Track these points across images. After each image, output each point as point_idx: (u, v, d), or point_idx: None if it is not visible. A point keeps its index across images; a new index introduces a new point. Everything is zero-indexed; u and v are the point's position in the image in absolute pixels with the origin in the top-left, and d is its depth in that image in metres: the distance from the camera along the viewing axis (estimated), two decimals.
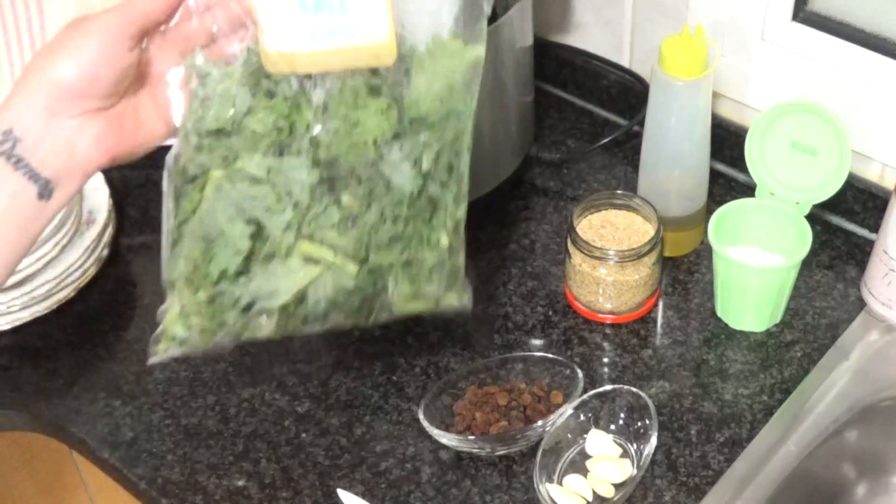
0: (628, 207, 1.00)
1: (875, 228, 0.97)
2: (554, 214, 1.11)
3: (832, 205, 1.00)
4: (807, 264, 0.95)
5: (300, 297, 0.74)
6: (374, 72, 0.71)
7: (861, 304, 0.99)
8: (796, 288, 0.98)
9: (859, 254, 1.03)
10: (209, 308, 0.73)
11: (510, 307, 1.02)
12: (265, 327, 0.74)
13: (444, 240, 0.75)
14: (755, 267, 0.94)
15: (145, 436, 0.94)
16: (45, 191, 0.67)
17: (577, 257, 0.97)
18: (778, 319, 0.99)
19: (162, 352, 0.75)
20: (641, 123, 1.02)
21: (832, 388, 0.93)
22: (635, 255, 0.95)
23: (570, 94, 1.23)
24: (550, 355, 0.95)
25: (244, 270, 0.72)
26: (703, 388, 0.95)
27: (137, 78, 0.70)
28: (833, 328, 0.98)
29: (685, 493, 0.87)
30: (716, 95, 1.05)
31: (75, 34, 0.67)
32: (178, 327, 0.74)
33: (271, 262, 0.72)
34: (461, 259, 0.77)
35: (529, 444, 0.90)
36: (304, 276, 0.73)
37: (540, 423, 0.89)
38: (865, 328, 0.98)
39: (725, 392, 0.94)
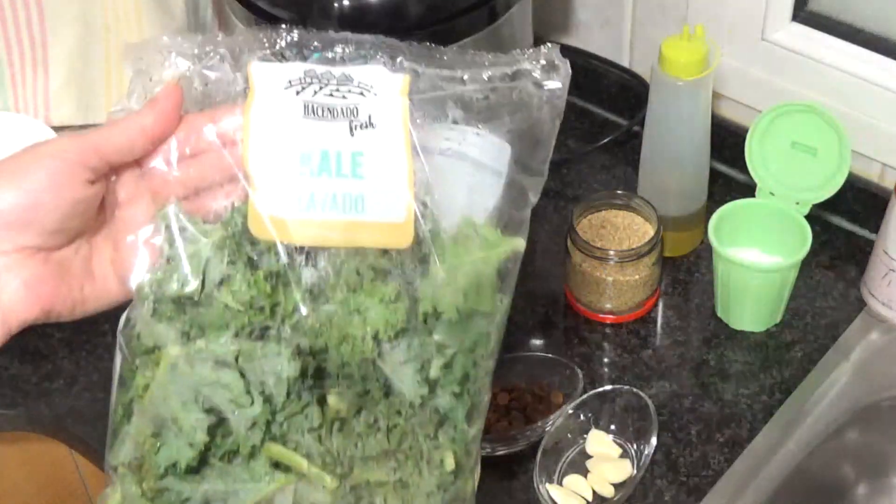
0: (628, 207, 1.00)
1: (875, 228, 0.97)
2: (554, 214, 1.11)
3: (832, 205, 1.00)
4: (807, 264, 0.95)
5: None
6: (385, 251, 0.59)
7: (861, 304, 0.99)
8: (796, 288, 0.98)
9: (859, 254, 1.03)
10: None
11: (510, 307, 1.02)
12: None
13: (450, 461, 0.62)
14: (755, 267, 0.94)
15: None
16: None
17: (577, 257, 0.97)
18: (778, 319, 0.99)
19: None
20: (641, 123, 1.02)
21: (832, 388, 0.93)
22: (635, 255, 0.95)
23: (570, 94, 1.22)
24: (550, 355, 0.95)
25: (197, 467, 0.59)
26: (703, 388, 0.95)
27: (96, 222, 0.59)
28: (833, 328, 0.98)
29: (685, 493, 0.87)
30: (716, 95, 1.05)
31: (24, 155, 0.56)
32: None
33: (231, 462, 0.60)
34: (470, 486, 0.64)
35: (529, 444, 0.90)
36: (269, 485, 0.60)
37: (540, 423, 0.89)
38: (865, 328, 0.98)
39: (725, 392, 0.94)
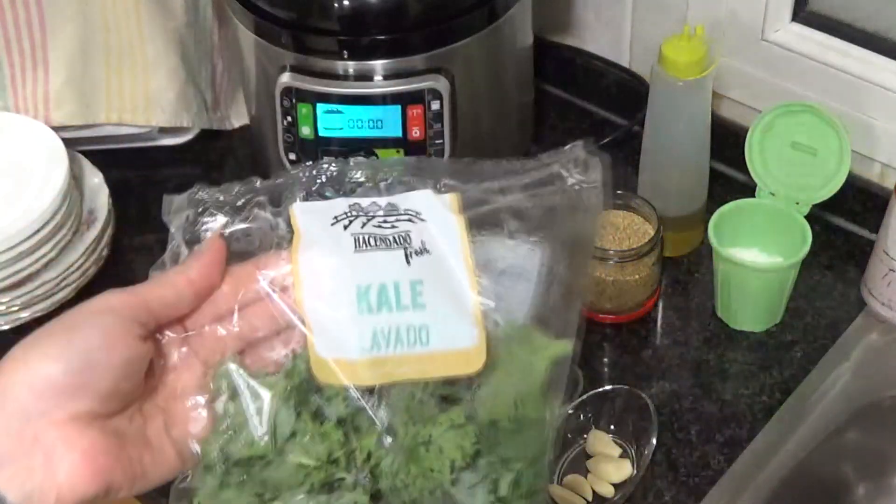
0: (628, 207, 1.00)
1: (875, 228, 0.97)
2: None
3: (832, 205, 1.00)
4: (807, 264, 0.95)
5: None
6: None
7: (861, 304, 0.99)
8: (796, 288, 0.98)
9: (859, 254, 1.03)
10: None
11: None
12: None
13: None
14: (755, 267, 0.94)
15: None
16: None
17: None
18: (778, 319, 0.99)
19: None
20: (641, 123, 1.02)
21: (832, 388, 0.93)
22: (635, 255, 0.95)
23: (570, 94, 1.23)
24: None
25: None
26: (703, 388, 0.95)
27: (146, 388, 0.55)
28: (833, 328, 0.98)
29: (685, 493, 0.87)
30: (716, 95, 1.05)
31: (73, 314, 0.53)
32: None
33: None
34: None
35: None
36: None
37: None
38: (865, 328, 0.98)
39: (725, 392, 0.94)
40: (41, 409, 0.50)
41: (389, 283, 0.55)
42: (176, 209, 0.59)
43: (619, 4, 1.12)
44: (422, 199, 0.59)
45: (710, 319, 1.00)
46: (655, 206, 0.98)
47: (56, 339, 0.51)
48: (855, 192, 1.03)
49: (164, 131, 1.15)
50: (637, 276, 0.96)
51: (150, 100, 1.11)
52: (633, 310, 0.99)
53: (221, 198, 0.58)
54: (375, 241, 0.56)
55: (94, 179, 1.09)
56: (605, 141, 1.14)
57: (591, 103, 1.22)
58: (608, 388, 0.92)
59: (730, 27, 1.04)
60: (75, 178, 1.06)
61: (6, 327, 1.01)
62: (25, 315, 1.01)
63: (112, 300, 0.53)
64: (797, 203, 0.97)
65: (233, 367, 0.55)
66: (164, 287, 0.54)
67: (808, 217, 0.96)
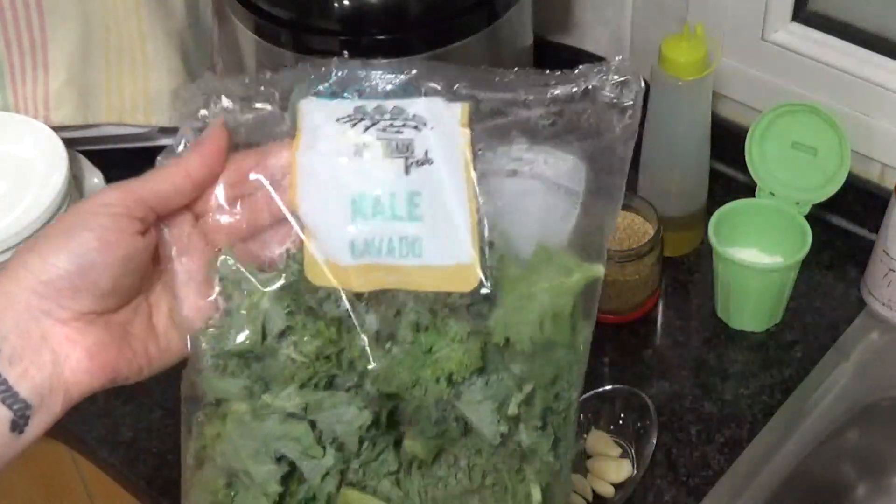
0: (628, 207, 1.00)
1: (875, 228, 0.97)
2: None
3: (832, 205, 1.00)
4: (807, 264, 0.95)
5: None
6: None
7: (861, 304, 0.99)
8: (796, 288, 0.98)
9: (859, 254, 1.03)
10: None
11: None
12: None
13: (537, 495, 0.58)
14: (755, 267, 0.94)
15: (145, 436, 0.94)
16: (22, 418, 0.51)
17: None
18: (778, 319, 0.99)
19: None
20: (641, 123, 1.01)
21: (832, 388, 0.93)
22: (635, 255, 0.95)
23: None
24: None
25: None
26: (703, 388, 0.95)
27: (152, 276, 0.56)
28: (833, 328, 0.98)
29: (685, 493, 0.87)
30: (716, 95, 1.05)
31: (68, 217, 0.53)
32: None
33: None
34: None
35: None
36: None
37: None
38: (865, 328, 0.98)
39: (725, 392, 0.94)
40: (45, 309, 0.52)
41: (386, 193, 0.55)
42: (186, 98, 0.58)
43: (619, 4, 1.12)
44: (430, 107, 0.56)
45: (710, 319, 1.00)
46: (655, 206, 0.98)
47: (53, 242, 0.52)
48: (855, 192, 1.03)
49: (164, 131, 1.15)
50: (637, 276, 0.96)
51: (150, 100, 1.11)
52: (633, 310, 0.99)
53: (231, 86, 0.58)
54: (376, 148, 0.55)
55: (94, 179, 1.09)
56: None
57: None
58: (608, 388, 0.92)
59: (730, 27, 1.04)
60: (75, 178, 1.06)
61: None
62: None
63: (107, 198, 0.53)
64: (797, 203, 0.97)
65: (229, 260, 0.56)
66: (161, 181, 0.54)
67: (808, 217, 0.96)
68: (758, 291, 0.95)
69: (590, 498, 0.87)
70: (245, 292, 0.55)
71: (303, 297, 0.55)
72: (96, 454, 0.94)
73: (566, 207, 0.58)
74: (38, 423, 0.52)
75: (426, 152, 0.55)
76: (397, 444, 0.57)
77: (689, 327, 1.00)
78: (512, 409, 0.56)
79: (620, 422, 0.91)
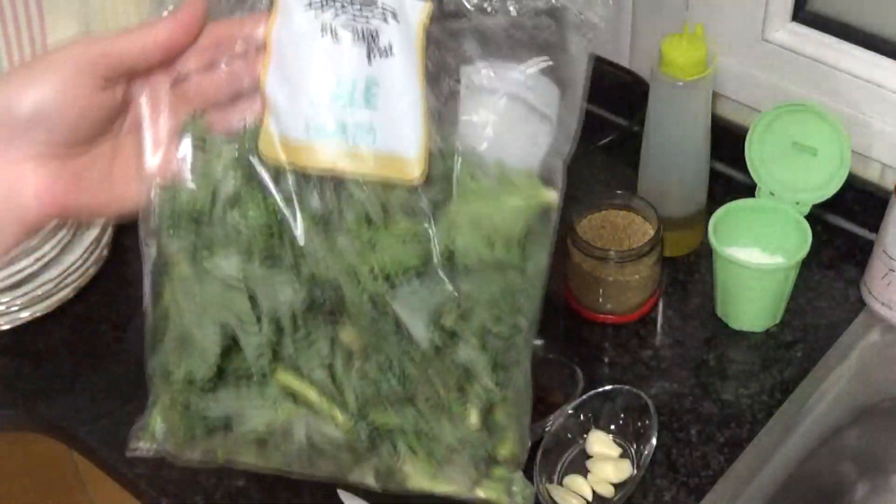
0: (628, 207, 1.00)
1: (875, 228, 0.97)
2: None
3: (832, 205, 1.00)
4: (807, 264, 0.95)
5: (285, 433, 0.61)
6: (410, 190, 0.57)
7: (861, 304, 0.99)
8: (796, 288, 0.98)
9: (859, 254, 1.03)
10: (181, 415, 0.62)
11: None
12: (244, 455, 0.63)
13: (474, 418, 0.60)
14: (755, 267, 0.94)
15: None
16: None
17: (577, 257, 0.97)
18: (778, 319, 0.99)
19: (142, 445, 0.65)
20: (641, 123, 1.02)
21: (832, 388, 0.93)
22: (635, 255, 0.95)
23: None
24: (550, 355, 0.95)
25: (214, 384, 0.60)
26: (703, 388, 0.95)
27: (122, 128, 0.59)
28: (833, 328, 0.98)
29: (685, 493, 0.87)
30: (716, 95, 1.05)
31: (37, 63, 0.57)
32: (157, 422, 0.64)
33: (246, 383, 0.60)
34: (509, 450, 0.62)
35: (529, 444, 0.90)
36: (279, 411, 0.60)
37: (540, 423, 0.89)
38: (865, 328, 0.98)
39: (725, 392, 0.94)
40: (7, 143, 0.55)
41: (346, 78, 0.56)
42: None
43: (618, 4, 1.12)
44: (400, 1, 0.57)
45: (710, 319, 1.00)
46: (655, 206, 0.98)
47: (12, 86, 0.55)
48: (855, 192, 1.03)
49: None
50: (637, 276, 0.96)
51: None
52: (633, 310, 0.99)
53: None
54: (341, 36, 0.56)
55: None
56: (605, 141, 1.14)
57: (590, 103, 1.20)
58: (608, 388, 0.92)
59: (730, 27, 1.04)
60: None
61: (6, 327, 1.01)
62: (25, 315, 1.01)
63: (73, 50, 0.55)
64: (797, 203, 0.97)
65: (194, 122, 0.57)
66: (129, 41, 0.56)
67: (808, 217, 0.96)
68: (758, 291, 0.95)
69: (590, 498, 0.87)
70: (203, 156, 0.57)
71: (255, 169, 0.57)
72: (96, 454, 0.94)
73: (542, 132, 0.58)
74: None
75: (390, 44, 0.56)
76: (332, 338, 0.58)
77: (689, 327, 1.00)
78: (448, 321, 0.57)
79: (620, 422, 0.91)
